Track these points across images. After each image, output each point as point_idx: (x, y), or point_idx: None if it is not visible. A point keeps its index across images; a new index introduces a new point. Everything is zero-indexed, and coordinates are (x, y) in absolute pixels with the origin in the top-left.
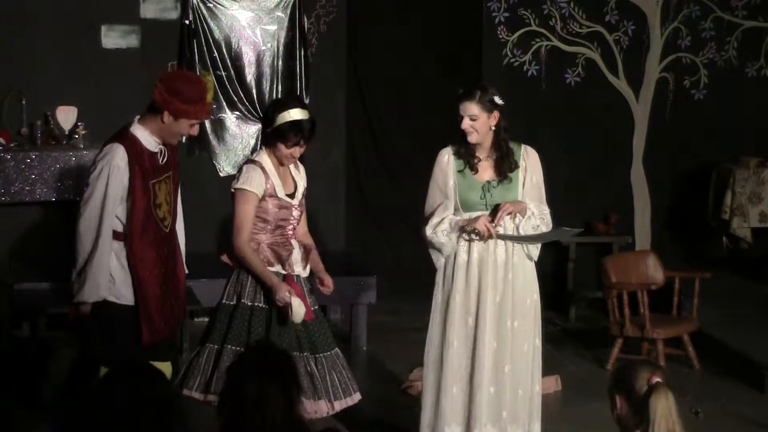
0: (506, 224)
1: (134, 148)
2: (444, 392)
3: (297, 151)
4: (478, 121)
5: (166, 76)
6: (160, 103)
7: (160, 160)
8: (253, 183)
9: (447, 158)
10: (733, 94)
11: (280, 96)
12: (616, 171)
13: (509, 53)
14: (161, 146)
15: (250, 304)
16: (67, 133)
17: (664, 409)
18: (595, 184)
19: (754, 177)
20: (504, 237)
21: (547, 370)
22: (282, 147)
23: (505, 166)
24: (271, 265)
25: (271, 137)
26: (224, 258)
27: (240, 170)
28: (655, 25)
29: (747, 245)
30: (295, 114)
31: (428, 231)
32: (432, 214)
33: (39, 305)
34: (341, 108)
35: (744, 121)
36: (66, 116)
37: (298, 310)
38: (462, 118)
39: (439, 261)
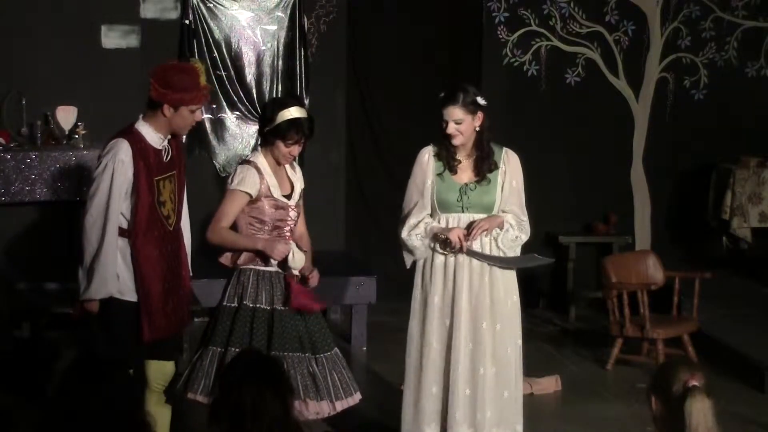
0: (482, 238)
1: (139, 143)
2: (424, 392)
3: (295, 149)
4: (462, 125)
5: (157, 71)
6: (157, 98)
7: (165, 158)
8: (246, 183)
9: (427, 157)
10: (733, 94)
11: (280, 96)
12: (616, 171)
13: (509, 53)
14: (165, 144)
15: (251, 305)
16: (67, 133)
17: (699, 414)
18: (595, 184)
19: (754, 177)
20: (474, 254)
21: (547, 370)
22: (281, 145)
23: (485, 167)
24: (268, 264)
25: (270, 136)
26: (222, 260)
27: (234, 170)
28: (655, 25)
29: (747, 245)
30: (295, 112)
31: (404, 233)
32: (409, 214)
33: (39, 305)
34: (341, 108)
35: (744, 121)
36: (66, 116)
37: (299, 255)
38: (446, 122)
39: (408, 261)
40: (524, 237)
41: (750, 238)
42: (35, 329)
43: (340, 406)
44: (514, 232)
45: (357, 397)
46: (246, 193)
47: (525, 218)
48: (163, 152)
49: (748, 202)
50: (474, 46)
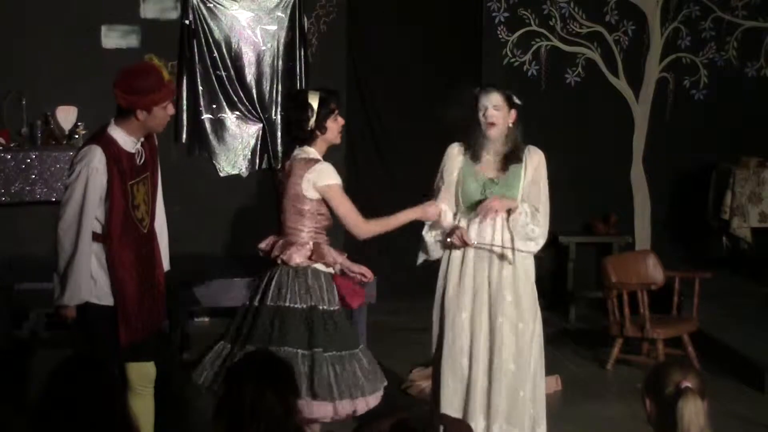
0: (495, 219)
1: (112, 149)
2: (444, 384)
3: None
4: (501, 112)
5: (119, 80)
6: (128, 106)
7: (138, 161)
8: (337, 175)
9: (456, 151)
10: (733, 94)
11: (280, 96)
12: (616, 171)
13: (509, 53)
14: (138, 147)
15: (334, 308)
16: (67, 133)
17: (691, 415)
18: (595, 184)
19: (754, 177)
20: (482, 246)
21: (547, 370)
22: (333, 124)
23: (509, 162)
24: (329, 265)
25: (322, 122)
26: (296, 256)
27: (318, 170)
28: (655, 25)
29: (747, 245)
30: (314, 91)
31: (424, 229)
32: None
33: (39, 305)
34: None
35: (744, 121)
36: (66, 116)
37: (447, 212)
38: (485, 109)
39: (419, 258)
40: (537, 230)
41: (750, 238)
42: (35, 329)
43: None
44: (525, 219)
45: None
46: (341, 183)
47: (542, 211)
48: (137, 155)
49: (748, 202)
50: (474, 46)
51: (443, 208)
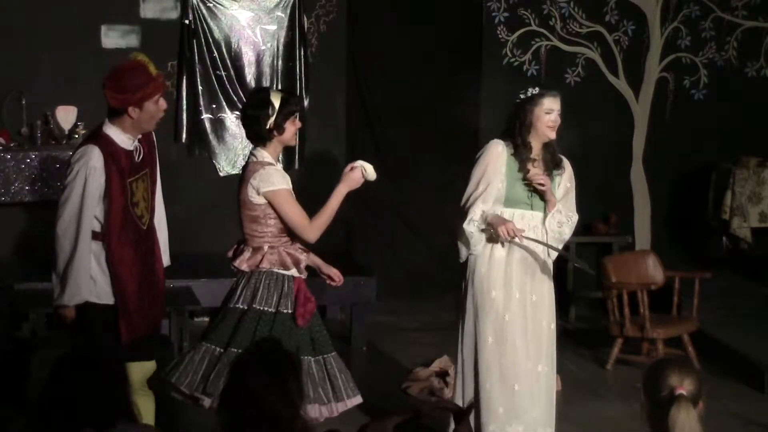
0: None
1: (109, 147)
2: (481, 388)
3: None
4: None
5: (108, 81)
6: (120, 105)
7: (137, 158)
8: (286, 179)
9: (501, 149)
10: (733, 94)
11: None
12: (616, 171)
13: (509, 53)
14: (136, 143)
15: (272, 310)
16: (67, 133)
17: (683, 424)
18: (595, 184)
19: (754, 177)
20: (530, 240)
21: None
22: (290, 126)
23: (552, 168)
24: (287, 267)
25: (280, 123)
26: (238, 263)
27: (262, 175)
28: (655, 25)
29: (747, 245)
30: (275, 91)
31: (465, 222)
32: (473, 204)
33: (39, 305)
34: (341, 108)
35: (744, 121)
36: (66, 116)
37: (369, 167)
38: (552, 112)
39: (462, 254)
40: (567, 231)
41: (750, 238)
42: (35, 329)
43: (342, 407)
44: (561, 218)
45: (358, 398)
46: (290, 188)
47: (573, 219)
48: (135, 152)
49: (748, 202)
50: (474, 46)
51: (360, 163)
